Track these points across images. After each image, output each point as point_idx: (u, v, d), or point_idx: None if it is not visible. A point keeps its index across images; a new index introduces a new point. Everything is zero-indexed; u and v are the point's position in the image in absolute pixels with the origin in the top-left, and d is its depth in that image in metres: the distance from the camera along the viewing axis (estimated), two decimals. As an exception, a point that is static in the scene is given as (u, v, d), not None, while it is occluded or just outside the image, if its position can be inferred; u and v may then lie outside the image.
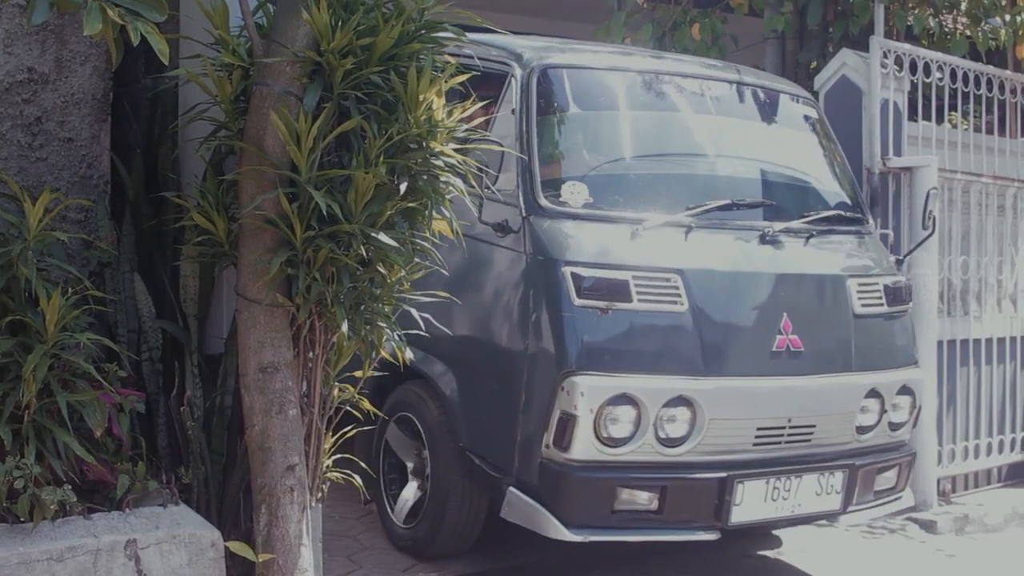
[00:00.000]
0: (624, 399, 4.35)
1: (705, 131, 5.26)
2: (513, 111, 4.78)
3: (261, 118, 3.54)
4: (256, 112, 3.56)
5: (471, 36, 5.11)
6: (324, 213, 3.44)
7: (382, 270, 3.65)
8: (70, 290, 3.67)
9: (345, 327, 3.57)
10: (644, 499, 4.44)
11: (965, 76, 7.01)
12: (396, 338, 3.83)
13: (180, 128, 4.12)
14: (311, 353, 3.77)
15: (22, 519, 3.39)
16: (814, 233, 5.03)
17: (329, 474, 3.97)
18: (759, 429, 4.61)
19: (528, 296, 4.53)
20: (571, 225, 4.56)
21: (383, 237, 3.53)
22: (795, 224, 5.00)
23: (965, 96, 7.03)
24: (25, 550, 3.30)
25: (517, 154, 4.65)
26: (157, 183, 4.31)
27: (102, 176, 4.30)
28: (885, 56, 6.55)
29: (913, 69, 6.68)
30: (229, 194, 3.72)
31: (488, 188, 4.59)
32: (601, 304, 4.38)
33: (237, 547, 3.60)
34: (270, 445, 3.61)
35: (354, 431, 4.12)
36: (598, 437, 4.32)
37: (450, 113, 3.71)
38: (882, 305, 5.08)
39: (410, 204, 3.67)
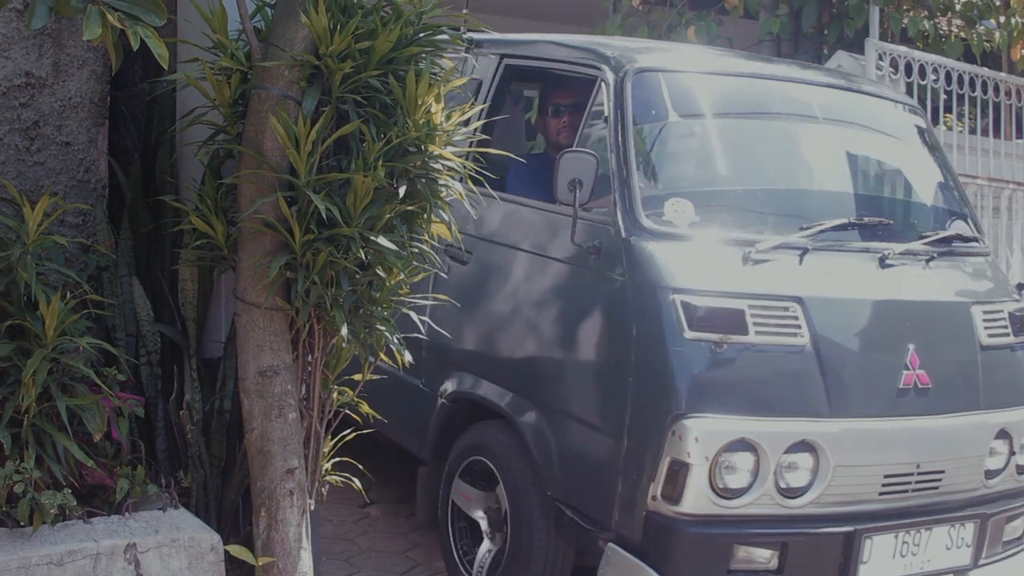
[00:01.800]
0: (742, 445, 3.89)
1: (814, 141, 4.85)
2: (605, 119, 4.32)
3: (260, 122, 3.55)
4: (255, 116, 3.57)
5: (551, 38, 4.94)
6: (323, 217, 3.44)
7: (381, 273, 3.65)
8: (69, 294, 3.67)
9: (344, 330, 3.57)
10: (763, 557, 3.99)
11: (960, 78, 7.04)
12: (395, 341, 3.83)
13: (178, 132, 4.13)
14: (310, 357, 3.77)
15: (22, 523, 3.39)
16: (934, 255, 4.55)
17: (328, 477, 3.97)
18: (886, 476, 4.15)
19: (630, 328, 4.02)
20: (677, 247, 4.09)
21: (382, 240, 3.53)
22: (915, 245, 4.52)
23: (960, 98, 7.06)
24: (25, 554, 3.30)
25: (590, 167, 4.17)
26: (155, 187, 4.31)
27: (100, 180, 4.30)
28: (880, 58, 6.57)
29: (908, 71, 6.71)
30: (228, 198, 3.72)
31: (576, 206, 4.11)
32: (715, 337, 3.91)
33: (237, 551, 3.60)
34: (269, 448, 3.61)
35: (353, 434, 4.12)
36: (713, 488, 3.87)
37: (449, 116, 3.72)
38: (1008, 335, 4.59)
39: (409, 207, 3.67)
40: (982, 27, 8.12)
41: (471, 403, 4.73)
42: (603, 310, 4.17)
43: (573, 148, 4.27)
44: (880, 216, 4.65)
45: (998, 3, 8.13)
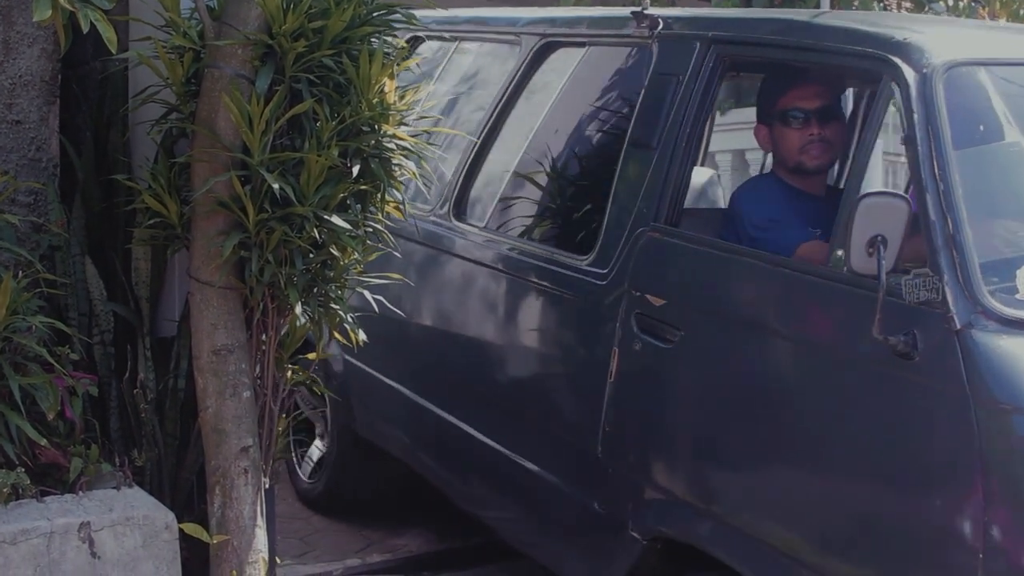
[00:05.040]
0: None
1: None
2: (906, 140, 2.92)
3: (213, 100, 3.55)
4: (208, 95, 3.57)
5: (791, 15, 3.69)
6: (277, 195, 3.45)
7: (335, 252, 3.66)
8: (20, 273, 3.66)
9: (299, 309, 3.59)
10: None
11: (909, 59, 7.10)
12: (349, 320, 3.84)
13: (131, 111, 4.11)
14: (264, 336, 3.79)
15: (-25, 503, 3.39)
16: None
17: (282, 456, 3.99)
18: None
19: (978, 473, 2.58)
20: None
21: (336, 219, 3.55)
22: None
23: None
24: (-22, 533, 3.30)
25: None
26: (107, 166, 4.29)
27: (51, 159, 4.28)
28: (831, 39, 6.63)
29: (858, 52, 6.77)
30: (181, 176, 3.71)
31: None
32: None
33: (191, 529, 3.61)
34: (224, 427, 3.62)
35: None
36: None
37: (402, 96, 3.73)
38: None
39: (362, 187, 3.69)
40: (930, 9, 8.21)
41: (684, 545, 3.36)
42: (926, 440, 2.74)
43: (874, 190, 2.93)
44: None
45: (947, -15, 8.23)
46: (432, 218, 4.64)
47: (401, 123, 3.72)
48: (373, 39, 3.68)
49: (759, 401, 3.14)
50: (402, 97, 3.73)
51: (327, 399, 4.99)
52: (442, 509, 5.06)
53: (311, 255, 3.62)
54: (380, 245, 3.86)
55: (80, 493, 3.59)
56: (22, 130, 4.21)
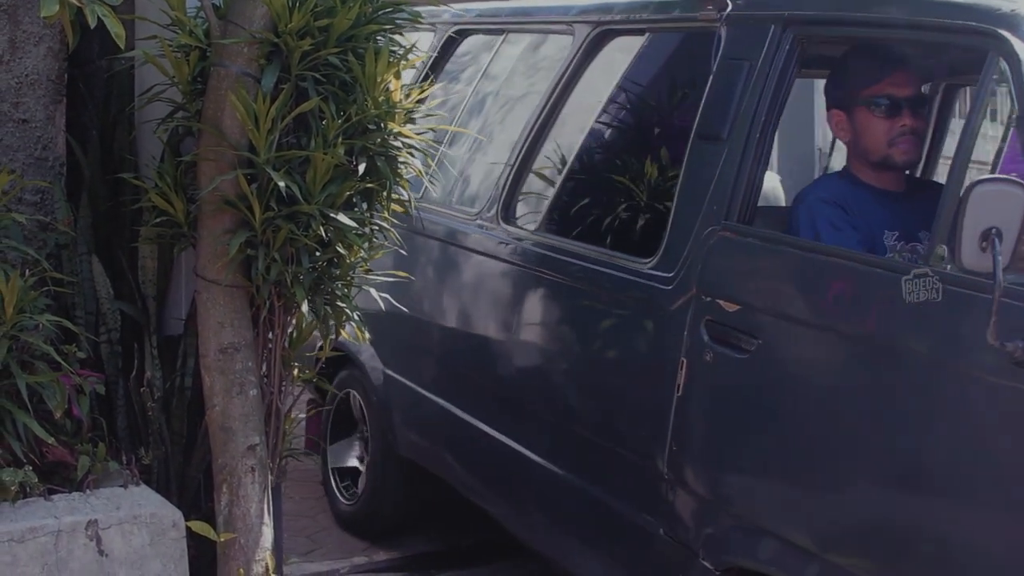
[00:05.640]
0: None
1: None
2: (1019, 122, 2.65)
3: (219, 99, 3.55)
4: (214, 93, 3.57)
5: None
6: (283, 194, 3.45)
7: (341, 250, 3.67)
8: (27, 272, 3.67)
9: (305, 307, 3.59)
10: None
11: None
12: (356, 318, 3.85)
13: (137, 109, 4.12)
14: (271, 334, 3.79)
15: (-18, 501, 3.40)
16: None
17: (288, 454, 3.99)
18: None
19: None
20: None
21: (342, 218, 3.55)
22: None
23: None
24: (-14, 531, 3.30)
25: None
26: (114, 165, 4.30)
27: (58, 158, 4.28)
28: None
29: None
30: (187, 175, 3.72)
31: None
32: None
33: (198, 527, 3.61)
34: (231, 425, 3.63)
35: (314, 412, 4.14)
36: None
37: (408, 94, 3.74)
38: None
39: (368, 185, 3.69)
40: None
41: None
42: None
43: (987, 176, 2.76)
44: None
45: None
46: (479, 222, 4.43)
47: (408, 121, 3.72)
48: (379, 37, 3.68)
49: (847, 418, 2.85)
50: (408, 95, 3.74)
51: (367, 417, 4.92)
52: (447, 508, 5.07)
53: (317, 253, 3.62)
54: (387, 244, 3.86)
55: (87, 491, 3.59)
56: (29, 129, 4.21)
